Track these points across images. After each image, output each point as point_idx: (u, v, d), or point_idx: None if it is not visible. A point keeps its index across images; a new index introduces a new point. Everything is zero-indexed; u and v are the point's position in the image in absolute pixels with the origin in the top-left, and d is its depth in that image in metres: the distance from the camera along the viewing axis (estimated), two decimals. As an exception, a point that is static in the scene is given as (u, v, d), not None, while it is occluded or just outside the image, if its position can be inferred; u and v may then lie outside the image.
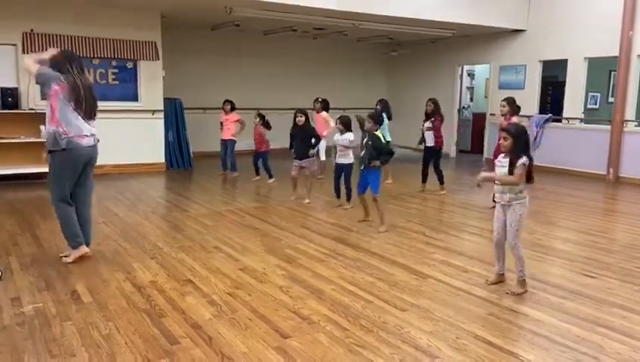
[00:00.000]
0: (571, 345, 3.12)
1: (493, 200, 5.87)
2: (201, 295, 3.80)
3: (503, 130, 3.94)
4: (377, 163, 5.67)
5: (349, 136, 6.43)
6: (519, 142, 3.83)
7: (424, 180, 8.07)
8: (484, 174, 4.07)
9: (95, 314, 3.43)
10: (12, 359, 2.85)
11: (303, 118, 7.18)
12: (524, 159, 3.79)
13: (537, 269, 4.52)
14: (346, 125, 6.45)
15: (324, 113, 8.70)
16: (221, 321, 3.36)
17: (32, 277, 4.08)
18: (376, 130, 5.84)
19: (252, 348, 3.01)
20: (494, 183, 4.05)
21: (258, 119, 8.60)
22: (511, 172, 3.82)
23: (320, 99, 8.78)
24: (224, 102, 9.16)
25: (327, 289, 3.96)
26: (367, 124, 5.82)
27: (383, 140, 5.97)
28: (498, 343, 3.13)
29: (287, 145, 7.48)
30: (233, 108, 9.13)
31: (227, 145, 9.09)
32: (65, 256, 4.50)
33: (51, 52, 4.46)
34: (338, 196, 6.84)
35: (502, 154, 3.97)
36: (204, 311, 3.52)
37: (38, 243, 5.02)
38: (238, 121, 9.04)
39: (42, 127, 8.17)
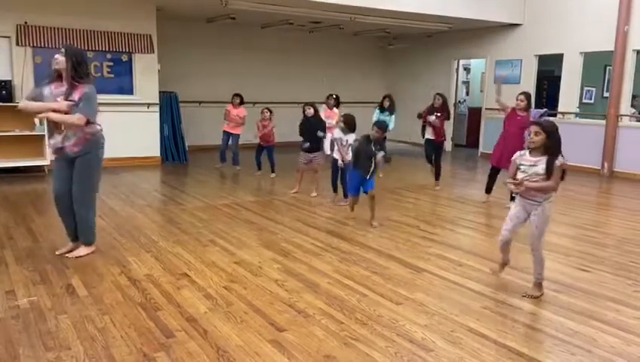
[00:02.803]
0: (565, 338, 3.14)
1: (512, 198, 5.63)
2: (197, 288, 3.80)
3: (534, 123, 3.63)
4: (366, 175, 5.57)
5: (350, 137, 6.28)
6: (553, 140, 3.52)
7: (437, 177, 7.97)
8: (521, 185, 3.58)
9: (90, 308, 3.42)
10: (7, 352, 2.85)
11: (312, 111, 7.14)
12: (562, 159, 3.51)
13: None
14: (348, 125, 6.32)
15: (335, 110, 8.57)
16: (216, 315, 3.36)
17: (27, 271, 4.07)
18: (383, 139, 5.74)
19: (247, 341, 3.01)
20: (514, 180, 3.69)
21: (269, 113, 8.56)
22: (547, 173, 3.52)
23: (334, 95, 8.63)
24: (234, 96, 9.14)
25: (323, 282, 3.97)
26: (375, 133, 5.62)
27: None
28: (492, 336, 3.14)
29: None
30: (242, 102, 9.12)
31: (231, 137, 9.07)
32: (71, 252, 4.45)
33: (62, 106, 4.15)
34: (335, 191, 6.82)
35: (524, 151, 3.68)
36: (199, 304, 3.52)
37: (33, 237, 5.01)
38: (244, 116, 9.02)
39: (36, 120, 8.17)
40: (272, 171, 8.54)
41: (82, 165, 4.30)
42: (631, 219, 6.42)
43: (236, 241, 5.00)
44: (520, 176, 3.66)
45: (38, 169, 8.40)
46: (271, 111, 8.56)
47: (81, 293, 3.66)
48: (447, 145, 12.94)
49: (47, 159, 8.18)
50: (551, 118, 10.54)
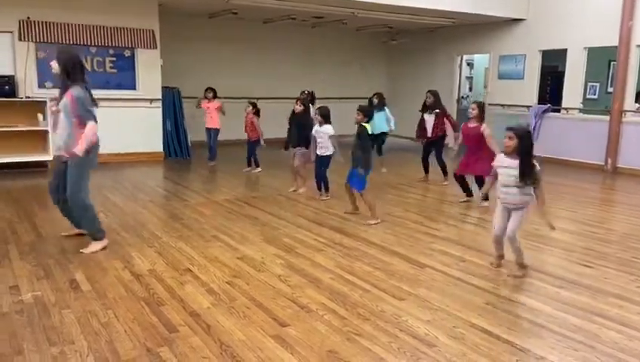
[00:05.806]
0: (568, 334, 3.14)
1: (484, 198, 6.02)
2: (200, 284, 3.81)
3: (509, 128, 3.94)
4: (361, 171, 5.56)
5: (328, 129, 6.34)
6: (525, 144, 3.85)
7: (426, 171, 8.09)
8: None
9: (94, 303, 3.43)
10: (11, 346, 2.86)
11: (301, 108, 7.15)
12: (537, 164, 3.86)
13: (535, 259, 4.54)
14: (325, 117, 6.38)
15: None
16: (219, 310, 3.37)
17: (30, 266, 4.09)
18: (366, 122, 5.67)
19: (250, 336, 3.02)
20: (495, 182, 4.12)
21: (250, 108, 8.58)
22: (523, 174, 3.84)
23: (307, 92, 8.70)
24: (206, 90, 9.16)
25: (326, 278, 3.97)
26: (357, 117, 5.69)
27: (369, 131, 5.76)
28: (495, 332, 3.14)
29: (285, 135, 7.48)
30: (215, 96, 9.13)
31: (211, 132, 9.13)
32: (87, 249, 4.46)
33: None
34: (319, 188, 6.74)
35: (501, 155, 4.02)
36: (202, 299, 3.53)
37: (37, 232, 5.02)
38: (219, 108, 9.05)
39: (40, 116, 8.18)
40: (256, 166, 8.62)
41: (71, 165, 4.31)
42: (634, 215, 6.40)
43: (239, 237, 5.00)
44: (500, 176, 4.00)
45: (41, 164, 8.41)
46: (253, 105, 8.59)
47: (85, 288, 3.67)
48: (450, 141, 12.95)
49: (50, 154, 8.19)
50: (555, 114, 10.56)
